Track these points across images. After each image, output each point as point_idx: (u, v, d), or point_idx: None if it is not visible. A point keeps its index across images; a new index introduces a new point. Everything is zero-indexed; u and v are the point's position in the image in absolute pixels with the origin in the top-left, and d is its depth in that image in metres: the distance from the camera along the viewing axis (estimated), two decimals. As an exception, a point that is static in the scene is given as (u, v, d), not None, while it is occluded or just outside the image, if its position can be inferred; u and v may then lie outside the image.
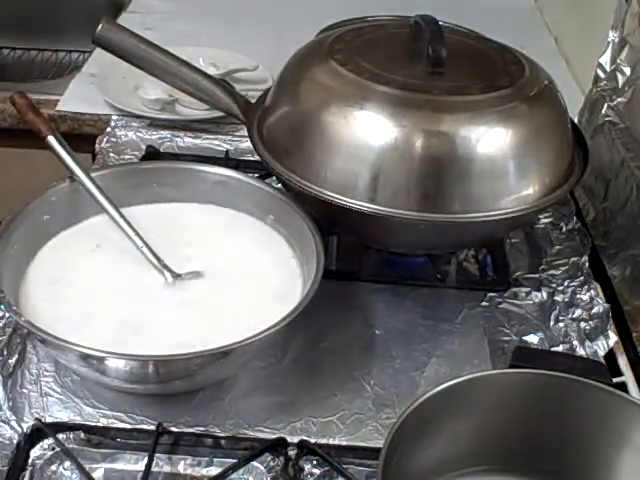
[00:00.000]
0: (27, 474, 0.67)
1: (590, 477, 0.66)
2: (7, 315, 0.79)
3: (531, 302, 0.88)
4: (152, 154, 1.07)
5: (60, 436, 0.68)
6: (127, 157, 1.07)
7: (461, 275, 0.91)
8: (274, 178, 0.89)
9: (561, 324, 0.85)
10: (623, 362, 0.83)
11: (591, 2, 1.33)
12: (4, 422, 0.70)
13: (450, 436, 0.65)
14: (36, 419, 0.70)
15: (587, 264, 0.93)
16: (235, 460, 0.68)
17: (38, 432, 0.69)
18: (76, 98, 1.21)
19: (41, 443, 0.68)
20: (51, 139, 0.84)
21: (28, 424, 0.70)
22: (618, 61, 1.00)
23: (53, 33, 1.66)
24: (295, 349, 0.80)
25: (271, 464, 0.68)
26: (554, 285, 0.90)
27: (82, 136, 1.17)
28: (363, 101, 0.77)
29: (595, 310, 0.86)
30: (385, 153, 0.76)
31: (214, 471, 0.68)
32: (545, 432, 0.66)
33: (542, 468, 0.67)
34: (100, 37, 0.91)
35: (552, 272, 0.92)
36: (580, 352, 0.82)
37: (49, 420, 0.71)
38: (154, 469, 0.67)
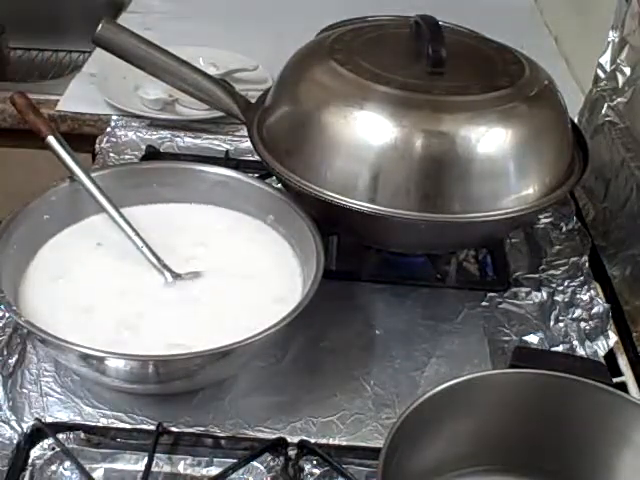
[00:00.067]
0: (27, 474, 0.67)
1: (590, 477, 0.66)
2: (7, 315, 0.79)
3: (531, 302, 0.88)
4: (152, 154, 1.07)
5: (60, 436, 0.68)
6: (127, 157, 1.07)
7: (461, 275, 0.91)
8: (274, 178, 0.89)
9: (561, 324, 0.85)
10: (623, 362, 0.83)
11: (591, 2, 1.33)
12: (4, 422, 0.70)
13: (450, 436, 0.65)
14: (36, 419, 0.70)
15: (587, 264, 0.93)
16: (235, 460, 0.68)
17: (38, 432, 0.69)
18: (76, 98, 1.21)
19: (41, 443, 0.68)
20: (51, 139, 0.84)
21: (28, 424, 0.70)
22: (618, 61, 1.00)
23: (53, 33, 1.66)
24: (295, 349, 0.80)
25: (271, 464, 0.68)
26: (554, 285, 0.90)
27: (82, 136, 1.17)
28: (363, 101, 0.77)
29: (595, 310, 0.86)
30: (385, 153, 0.76)
31: (214, 471, 0.68)
32: (545, 432, 0.66)
33: (542, 468, 0.67)
34: (100, 37, 0.91)
35: (552, 272, 0.92)
36: (580, 352, 0.82)
37: (49, 420, 0.71)
38: (154, 469, 0.67)
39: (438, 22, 0.82)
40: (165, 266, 0.79)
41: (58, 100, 1.21)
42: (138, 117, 1.14)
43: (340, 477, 0.67)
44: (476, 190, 0.76)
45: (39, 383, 0.74)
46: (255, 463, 0.68)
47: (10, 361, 0.76)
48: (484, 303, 0.88)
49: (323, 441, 0.71)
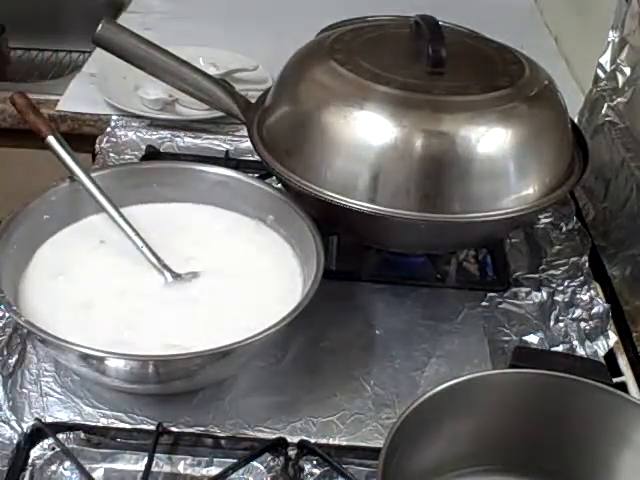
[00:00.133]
0: (27, 474, 0.67)
1: (590, 477, 0.66)
2: (7, 315, 0.79)
3: (531, 302, 0.88)
4: (152, 154, 1.07)
5: (60, 436, 0.68)
6: (127, 157, 1.07)
7: (461, 275, 0.91)
8: (274, 178, 0.89)
9: (561, 324, 0.85)
10: (623, 362, 0.83)
11: (591, 2, 1.33)
12: (4, 422, 0.70)
13: (450, 436, 0.65)
14: (36, 419, 0.70)
15: (587, 264, 0.93)
16: (235, 460, 0.68)
17: (38, 432, 0.69)
18: (76, 98, 1.21)
19: (41, 443, 0.68)
20: (51, 139, 0.84)
21: (28, 424, 0.70)
22: (618, 61, 1.00)
23: (53, 33, 1.66)
24: (295, 349, 0.80)
25: (271, 464, 0.68)
26: (554, 285, 0.90)
27: (82, 136, 1.17)
28: (363, 101, 0.77)
29: (595, 310, 0.86)
30: (385, 153, 0.76)
31: (214, 471, 0.68)
32: (545, 432, 0.66)
33: (542, 468, 0.67)
34: (100, 37, 0.91)
35: (552, 272, 0.92)
36: (580, 352, 0.82)
37: (49, 420, 0.71)
38: (154, 469, 0.67)
39: (438, 22, 0.82)
40: (165, 266, 0.79)
41: (58, 100, 1.21)
42: (138, 117, 1.14)
43: (340, 477, 0.67)
44: (476, 190, 0.76)
45: (39, 383, 0.74)
46: (255, 463, 0.68)
47: (10, 361, 0.76)
48: (484, 303, 0.88)
49: (323, 441, 0.71)
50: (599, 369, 0.76)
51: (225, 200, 0.88)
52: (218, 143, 1.11)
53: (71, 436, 0.69)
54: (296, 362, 0.79)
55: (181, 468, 0.68)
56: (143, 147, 1.08)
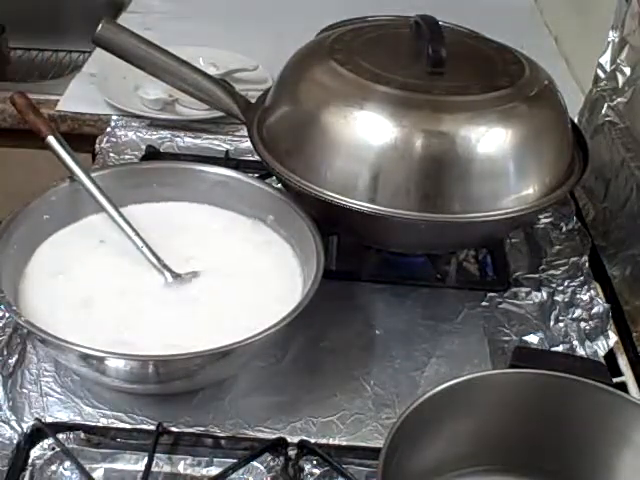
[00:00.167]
0: (27, 474, 0.67)
1: (590, 477, 0.66)
2: (7, 315, 0.79)
3: (531, 302, 0.88)
4: (152, 154, 1.07)
5: (60, 436, 0.68)
6: (127, 157, 1.07)
7: (461, 275, 0.91)
8: (274, 178, 0.89)
9: (561, 324, 0.85)
10: (623, 362, 0.83)
11: (591, 2, 1.33)
12: (4, 422, 0.70)
13: (450, 436, 0.65)
14: (36, 419, 0.70)
15: (587, 264, 0.93)
16: (235, 460, 0.68)
17: (38, 432, 0.69)
18: (76, 98, 1.21)
19: (41, 443, 0.68)
20: (51, 139, 0.84)
21: (28, 424, 0.70)
22: (618, 61, 1.00)
23: (53, 33, 1.66)
24: (295, 349, 0.80)
25: (271, 464, 0.68)
26: (554, 285, 0.90)
27: (82, 136, 1.17)
28: (363, 101, 0.77)
29: (595, 310, 0.86)
30: (385, 153, 0.76)
31: (214, 471, 0.68)
32: (545, 432, 0.66)
33: (542, 468, 0.67)
34: (100, 37, 0.91)
35: (552, 272, 0.92)
36: (580, 352, 0.82)
37: (49, 420, 0.71)
38: (154, 469, 0.67)
39: (438, 22, 0.82)
40: (165, 266, 0.79)
41: (58, 100, 1.21)
42: (138, 117, 1.14)
43: (340, 477, 0.67)
44: (476, 190, 0.76)
45: (39, 383, 0.74)
46: (255, 463, 0.68)
47: (10, 361, 0.76)
48: (484, 303, 0.88)
49: (323, 441, 0.71)
50: (599, 369, 0.76)
51: (225, 200, 0.88)
52: (218, 143, 1.11)
53: (71, 436, 0.69)
54: (296, 362, 0.79)
55: (181, 468, 0.68)
56: (143, 147, 1.08)
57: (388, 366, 0.79)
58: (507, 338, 0.83)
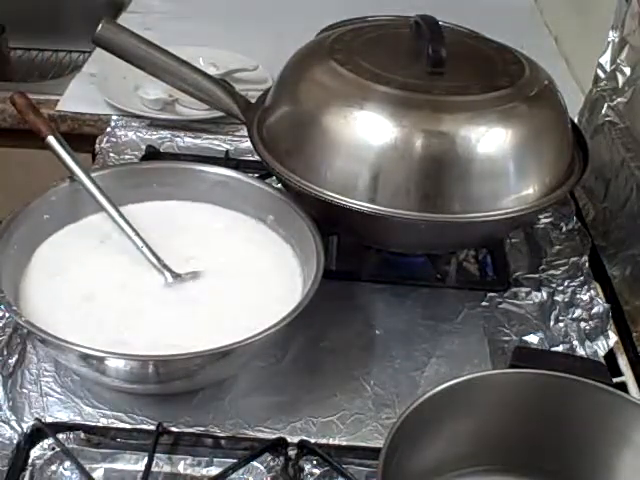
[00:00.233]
0: (27, 474, 0.67)
1: (590, 477, 0.66)
2: (7, 315, 0.79)
3: (531, 302, 0.88)
4: (152, 154, 1.07)
5: (60, 436, 0.68)
6: (127, 157, 1.07)
7: (461, 275, 0.91)
8: (274, 178, 0.89)
9: (561, 324, 0.85)
10: (623, 362, 0.83)
11: (591, 2, 1.33)
12: (4, 422, 0.70)
13: (450, 436, 0.65)
14: (36, 419, 0.70)
15: (587, 264, 0.93)
16: (235, 460, 0.68)
17: (38, 432, 0.69)
18: (76, 98, 1.21)
19: (41, 443, 0.69)
20: (51, 139, 0.84)
21: (28, 424, 0.70)
22: (618, 61, 1.00)
23: (53, 33, 1.66)
24: (295, 349, 0.80)
25: (271, 464, 0.68)
26: (554, 285, 0.90)
27: (82, 136, 1.17)
28: (363, 101, 0.77)
29: (595, 310, 0.86)
30: (385, 153, 0.76)
31: (214, 471, 0.68)
32: (545, 432, 0.66)
33: (542, 468, 0.67)
34: (100, 37, 0.91)
35: (552, 272, 0.92)
36: (580, 352, 0.82)
37: (49, 420, 0.71)
38: (154, 469, 0.67)
39: (438, 22, 0.82)
40: (165, 266, 0.79)
41: (58, 100, 1.21)
42: (138, 117, 1.14)
43: (340, 477, 0.68)
44: (476, 190, 0.76)
45: (39, 383, 0.74)
46: (255, 463, 0.68)
47: (10, 361, 0.76)
48: (484, 303, 0.88)
49: (323, 441, 0.71)
50: (599, 369, 0.76)
51: (225, 200, 0.88)
52: (218, 143, 1.11)
53: (71, 436, 0.69)
54: (296, 362, 0.79)
55: (181, 468, 0.68)
56: (143, 147, 1.08)
57: (388, 366, 0.79)
58: (507, 338, 0.83)
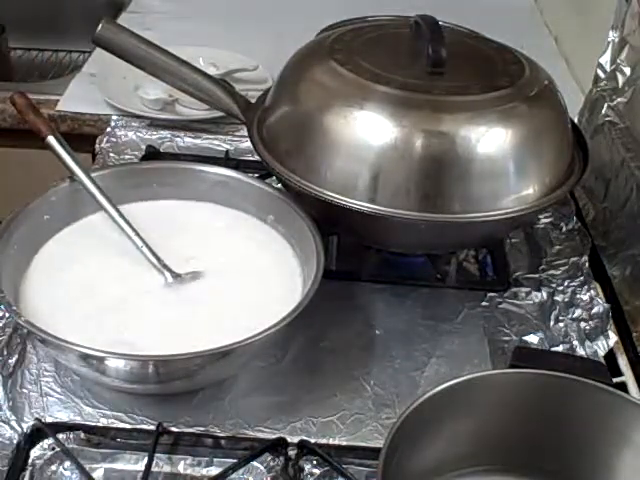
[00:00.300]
0: (27, 474, 0.67)
1: (590, 477, 0.66)
2: (7, 315, 0.79)
3: (531, 302, 0.88)
4: (152, 154, 1.07)
5: (60, 436, 0.68)
6: (127, 157, 1.07)
7: (461, 275, 0.91)
8: (274, 178, 0.89)
9: (561, 324, 0.85)
10: (623, 362, 0.83)
11: (591, 2, 1.33)
12: (4, 422, 0.70)
13: (450, 436, 0.65)
14: (36, 419, 0.70)
15: (587, 264, 0.93)
16: (235, 460, 0.68)
17: (38, 432, 0.69)
18: (76, 98, 1.21)
19: (41, 443, 0.68)
20: (51, 139, 0.84)
21: (28, 424, 0.70)
22: (618, 61, 1.00)
23: (53, 33, 1.66)
24: (295, 349, 0.80)
25: (271, 464, 0.68)
26: (554, 285, 0.90)
27: (82, 136, 1.17)
28: (363, 101, 0.77)
29: (595, 310, 0.86)
30: (385, 153, 0.76)
31: (214, 471, 0.68)
32: (545, 432, 0.66)
33: (542, 468, 0.67)
34: (100, 37, 0.91)
35: (552, 272, 0.92)
36: (580, 352, 0.82)
37: (49, 420, 0.71)
38: (154, 469, 0.67)
39: (438, 22, 0.82)
40: (165, 266, 0.79)
41: (58, 100, 1.21)
42: (138, 117, 1.14)
43: (340, 477, 0.68)
44: (476, 190, 0.76)
45: (39, 383, 0.74)
46: (255, 463, 0.68)
47: (10, 361, 0.76)
48: (484, 303, 0.88)
49: (323, 441, 0.71)
50: (599, 369, 0.76)
51: (225, 200, 0.88)
52: (218, 143, 1.11)
53: (71, 436, 0.69)
54: (296, 362, 0.79)
55: (181, 468, 0.68)
56: (143, 147, 1.08)
57: (388, 366, 0.79)
58: (507, 338, 0.83)
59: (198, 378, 0.72)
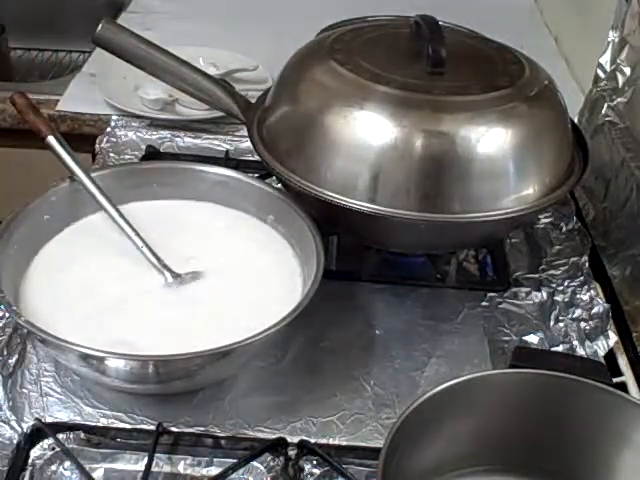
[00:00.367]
0: (27, 474, 0.67)
1: (590, 477, 0.66)
2: (7, 315, 0.79)
3: (531, 302, 0.88)
4: (152, 154, 1.07)
5: (60, 436, 0.68)
6: (127, 157, 1.07)
7: (461, 275, 0.91)
8: (274, 178, 0.89)
9: (561, 324, 0.85)
10: (623, 362, 0.83)
11: (591, 2, 1.33)
12: (4, 422, 0.70)
13: (450, 436, 0.65)
14: (36, 419, 0.70)
15: (587, 264, 0.93)
16: (235, 460, 0.68)
17: (38, 432, 0.69)
18: (76, 98, 1.21)
19: (41, 443, 0.69)
20: (51, 139, 0.84)
21: (28, 424, 0.70)
22: (618, 61, 1.00)
23: (53, 33, 1.66)
24: (295, 349, 0.80)
25: (271, 464, 0.68)
26: (554, 285, 0.90)
27: (82, 136, 1.17)
28: (363, 101, 0.77)
29: (595, 310, 0.86)
30: (385, 153, 0.76)
31: (214, 471, 0.68)
32: (545, 432, 0.66)
33: (542, 468, 0.67)
34: (100, 37, 0.91)
35: (552, 272, 0.92)
36: (580, 352, 0.82)
37: (49, 420, 0.71)
38: (154, 469, 0.67)
39: (438, 22, 0.82)
40: (165, 266, 0.79)
41: (58, 100, 1.21)
42: (138, 117, 1.14)
43: (340, 477, 0.68)
44: (476, 190, 0.76)
45: (39, 383, 0.74)
46: (255, 463, 0.68)
47: (10, 361, 0.76)
48: (484, 303, 0.88)
49: (323, 441, 0.71)
50: (599, 369, 0.76)
51: (225, 200, 0.88)
52: (218, 143, 1.11)
53: (71, 436, 0.69)
54: (296, 362, 0.79)
55: (181, 468, 0.68)
56: (143, 147, 1.08)
57: (388, 366, 0.79)
58: (507, 338, 0.83)
59: (198, 378, 0.72)
